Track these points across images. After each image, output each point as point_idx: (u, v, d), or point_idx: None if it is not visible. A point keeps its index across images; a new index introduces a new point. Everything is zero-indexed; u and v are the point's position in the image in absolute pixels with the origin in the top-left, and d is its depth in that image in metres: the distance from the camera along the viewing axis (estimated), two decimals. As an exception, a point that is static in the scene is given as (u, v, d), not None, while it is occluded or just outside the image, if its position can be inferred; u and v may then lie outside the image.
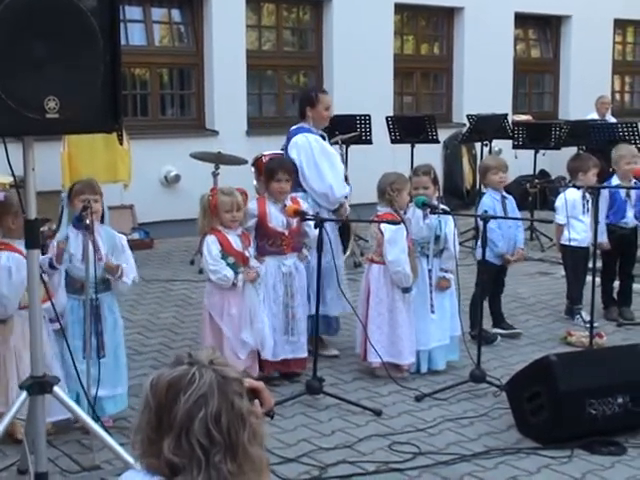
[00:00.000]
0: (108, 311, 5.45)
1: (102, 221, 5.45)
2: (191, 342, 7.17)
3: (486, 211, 6.84)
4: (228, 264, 5.97)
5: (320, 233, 5.82)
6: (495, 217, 6.81)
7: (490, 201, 7.29)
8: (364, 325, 6.39)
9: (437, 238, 6.55)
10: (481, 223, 6.21)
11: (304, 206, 6.45)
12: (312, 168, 6.85)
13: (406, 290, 6.42)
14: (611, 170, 8.26)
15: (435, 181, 6.65)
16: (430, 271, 6.58)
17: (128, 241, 5.88)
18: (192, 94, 12.40)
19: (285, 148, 7.13)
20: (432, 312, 6.58)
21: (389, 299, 6.43)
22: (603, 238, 7.80)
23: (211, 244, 5.98)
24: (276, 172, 6.35)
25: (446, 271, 6.61)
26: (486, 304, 7.35)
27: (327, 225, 6.59)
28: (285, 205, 6.34)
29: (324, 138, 7.09)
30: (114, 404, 5.51)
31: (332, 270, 6.66)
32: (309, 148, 6.86)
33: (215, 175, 9.49)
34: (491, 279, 7.28)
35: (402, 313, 6.43)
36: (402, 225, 6.25)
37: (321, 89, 7.38)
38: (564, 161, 8.46)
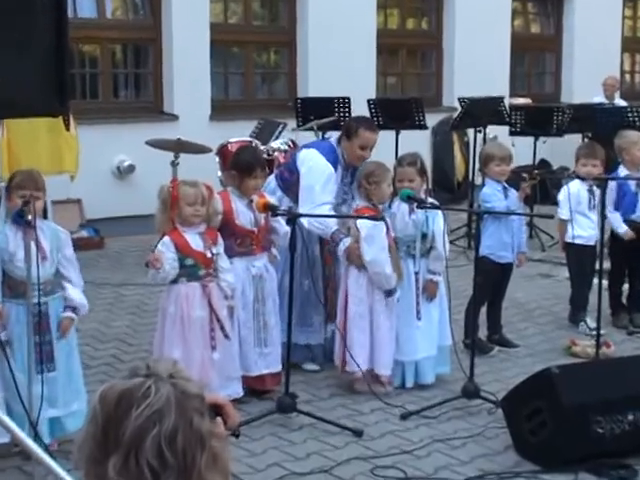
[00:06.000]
0: (57, 317, 5.45)
1: (45, 216, 5.43)
2: (147, 354, 7.13)
3: (479, 205, 6.86)
4: (186, 266, 5.95)
5: (293, 230, 5.82)
6: (490, 212, 6.84)
7: (491, 192, 7.31)
8: (342, 332, 6.41)
9: (424, 236, 6.57)
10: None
11: (272, 200, 6.45)
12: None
13: (389, 293, 6.44)
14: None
15: (422, 172, 6.66)
16: (417, 273, 6.59)
17: (74, 240, 5.87)
18: (149, 74, 12.36)
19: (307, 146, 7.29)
20: (418, 319, 6.60)
21: (370, 299, 6.46)
22: (623, 228, 7.88)
23: (165, 246, 5.95)
24: (254, 168, 6.35)
25: (434, 273, 6.63)
26: (484, 310, 7.39)
27: (308, 238, 6.63)
28: (251, 200, 6.33)
29: (351, 178, 7.01)
30: (74, 421, 5.48)
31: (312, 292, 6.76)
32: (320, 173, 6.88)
33: (174, 165, 9.43)
34: (490, 281, 7.27)
35: (380, 316, 6.46)
36: (381, 221, 6.27)
37: (368, 123, 7.19)
38: (567, 149, 8.51)
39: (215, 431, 2.14)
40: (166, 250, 5.91)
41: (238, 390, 6.19)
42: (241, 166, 6.40)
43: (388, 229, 6.41)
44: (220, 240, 6.15)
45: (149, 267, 5.92)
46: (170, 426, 2.03)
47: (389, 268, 6.37)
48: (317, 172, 6.83)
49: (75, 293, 5.52)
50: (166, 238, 5.98)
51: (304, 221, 6.49)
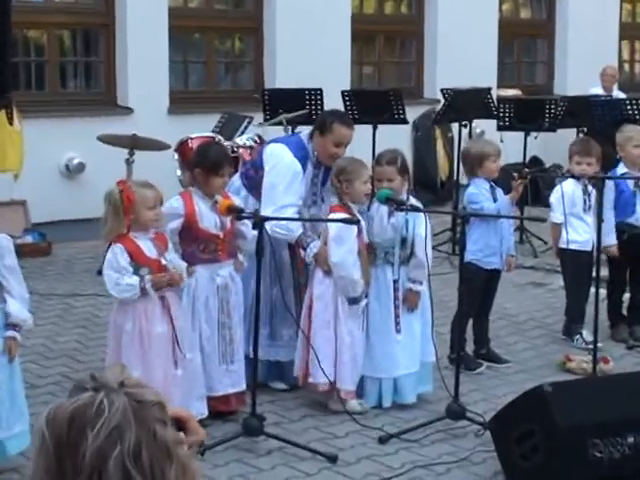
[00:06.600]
0: (-1, 331, 5.42)
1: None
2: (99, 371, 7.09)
3: (465, 207, 6.86)
4: (141, 276, 5.85)
5: (260, 234, 5.80)
6: (476, 215, 6.82)
7: (478, 192, 7.30)
8: (307, 337, 6.42)
9: (404, 241, 6.56)
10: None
11: (237, 201, 6.43)
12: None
13: (354, 301, 6.44)
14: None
15: (403, 171, 6.67)
16: (396, 282, 6.59)
17: (18, 246, 5.81)
18: (100, 62, 12.32)
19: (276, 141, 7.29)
20: (398, 332, 6.59)
21: (335, 306, 6.47)
22: (611, 240, 7.85)
23: (119, 255, 5.85)
24: (222, 166, 6.36)
25: (415, 282, 6.63)
26: (470, 323, 7.39)
27: (276, 242, 6.59)
28: (216, 201, 6.29)
29: (323, 178, 7.02)
30: (17, 443, 5.48)
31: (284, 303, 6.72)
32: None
33: (129, 163, 9.44)
34: (476, 289, 7.27)
35: (342, 326, 6.45)
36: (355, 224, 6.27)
37: (344, 118, 7.21)
38: (560, 146, 8.52)
39: (181, 439, 2.12)
40: (121, 260, 5.83)
41: (202, 410, 6.15)
42: (207, 164, 6.36)
43: (360, 232, 6.40)
44: (170, 245, 6.11)
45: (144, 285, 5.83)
46: (132, 442, 2.00)
47: (357, 273, 6.39)
48: (282, 170, 6.81)
49: (15, 307, 5.45)
50: (118, 246, 5.86)
51: (267, 226, 6.45)
